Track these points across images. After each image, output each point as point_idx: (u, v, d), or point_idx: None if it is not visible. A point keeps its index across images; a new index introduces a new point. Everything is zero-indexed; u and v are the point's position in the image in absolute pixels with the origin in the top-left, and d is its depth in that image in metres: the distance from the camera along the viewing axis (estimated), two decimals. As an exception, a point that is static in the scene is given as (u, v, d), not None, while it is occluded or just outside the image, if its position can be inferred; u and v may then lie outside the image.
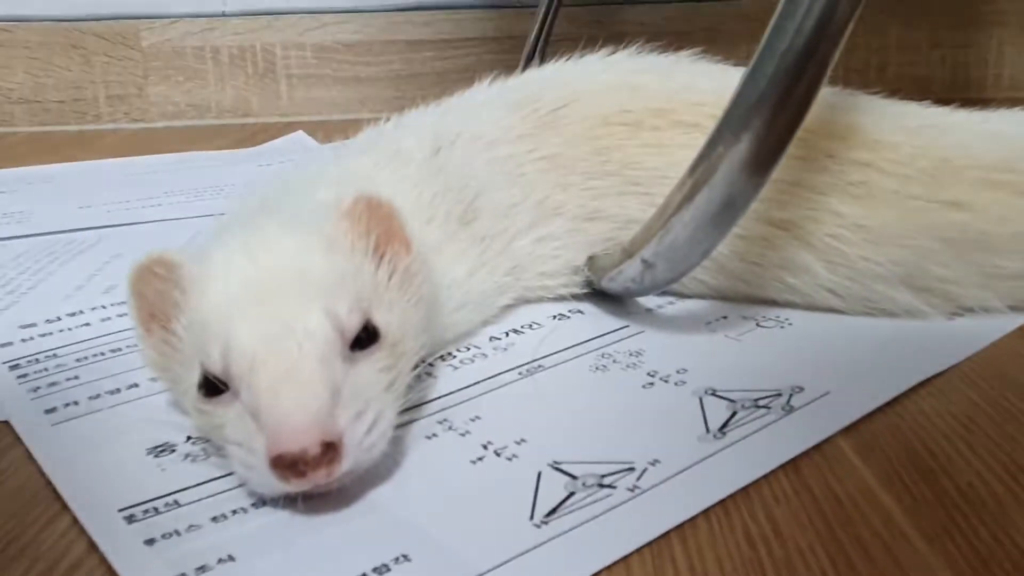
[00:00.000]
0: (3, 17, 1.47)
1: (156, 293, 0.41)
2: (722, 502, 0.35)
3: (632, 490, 0.36)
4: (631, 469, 0.37)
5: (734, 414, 0.42)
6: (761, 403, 0.43)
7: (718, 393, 0.44)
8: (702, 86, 0.55)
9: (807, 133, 0.49)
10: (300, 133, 1.30)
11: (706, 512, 0.35)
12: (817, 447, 0.39)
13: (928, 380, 0.45)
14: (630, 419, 0.42)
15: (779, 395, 0.43)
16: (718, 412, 0.42)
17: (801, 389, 0.44)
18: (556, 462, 0.38)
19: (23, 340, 0.54)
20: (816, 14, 0.40)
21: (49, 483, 0.39)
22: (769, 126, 0.44)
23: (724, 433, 0.40)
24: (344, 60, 1.50)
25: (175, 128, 1.48)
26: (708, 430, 0.40)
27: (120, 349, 0.52)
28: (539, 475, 0.37)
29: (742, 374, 0.46)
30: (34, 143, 1.40)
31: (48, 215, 0.88)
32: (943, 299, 0.52)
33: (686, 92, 0.55)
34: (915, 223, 0.51)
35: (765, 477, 0.37)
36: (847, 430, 0.40)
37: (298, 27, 1.48)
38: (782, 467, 0.38)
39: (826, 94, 0.50)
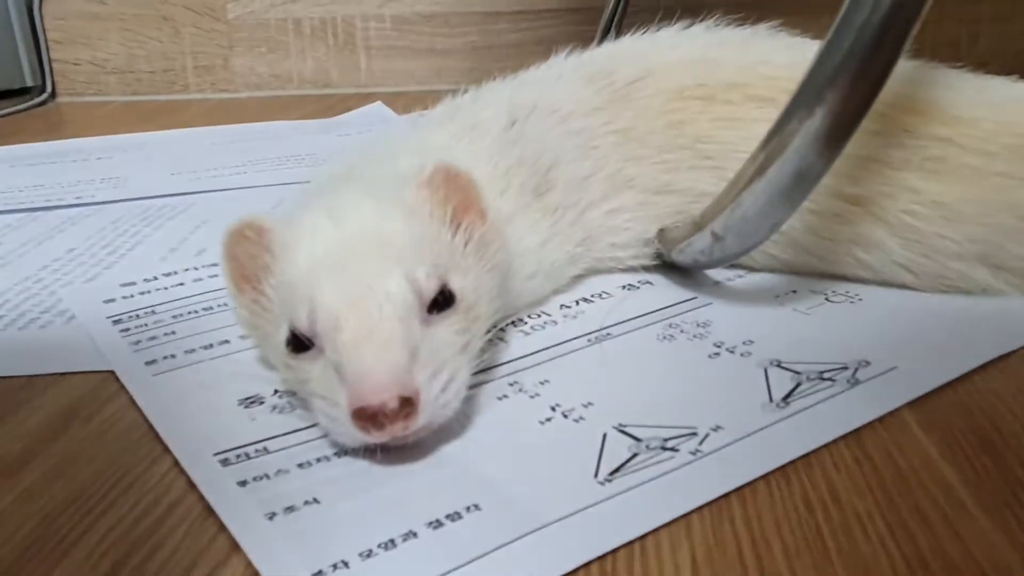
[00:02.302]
0: (99, -10, 1.53)
1: (247, 255, 0.44)
2: (783, 468, 0.36)
3: (694, 453, 0.37)
4: (694, 434, 0.39)
5: (798, 385, 0.42)
6: (826, 375, 0.43)
7: (783, 365, 0.45)
8: (778, 60, 0.55)
9: (884, 107, 0.49)
10: (379, 104, 1.33)
11: (766, 477, 0.36)
12: (881, 419, 0.40)
13: (1000, 358, 0.45)
14: (695, 387, 0.43)
15: (845, 368, 0.44)
16: (782, 383, 0.43)
17: (868, 363, 0.44)
18: (621, 425, 0.40)
19: (124, 297, 0.58)
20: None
21: (151, 428, 0.42)
22: (844, 100, 0.44)
23: (787, 403, 0.41)
24: (422, 32, 1.52)
25: (258, 98, 1.53)
26: (772, 399, 0.41)
27: (212, 308, 0.55)
28: (604, 436, 0.39)
29: (809, 347, 0.47)
30: (127, 112, 1.47)
31: (142, 181, 0.93)
32: (1021, 278, 0.51)
33: (761, 66, 0.55)
34: (995, 200, 0.50)
35: (827, 446, 0.38)
36: (913, 404, 0.41)
37: (377, -1, 1.51)
38: (844, 437, 0.38)
39: (904, 67, 0.50)
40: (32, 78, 1.54)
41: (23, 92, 1.53)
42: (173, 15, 1.53)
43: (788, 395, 0.42)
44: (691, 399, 0.42)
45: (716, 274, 0.57)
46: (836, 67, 0.43)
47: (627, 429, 0.39)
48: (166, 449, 0.40)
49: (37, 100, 1.52)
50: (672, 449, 0.37)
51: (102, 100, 1.56)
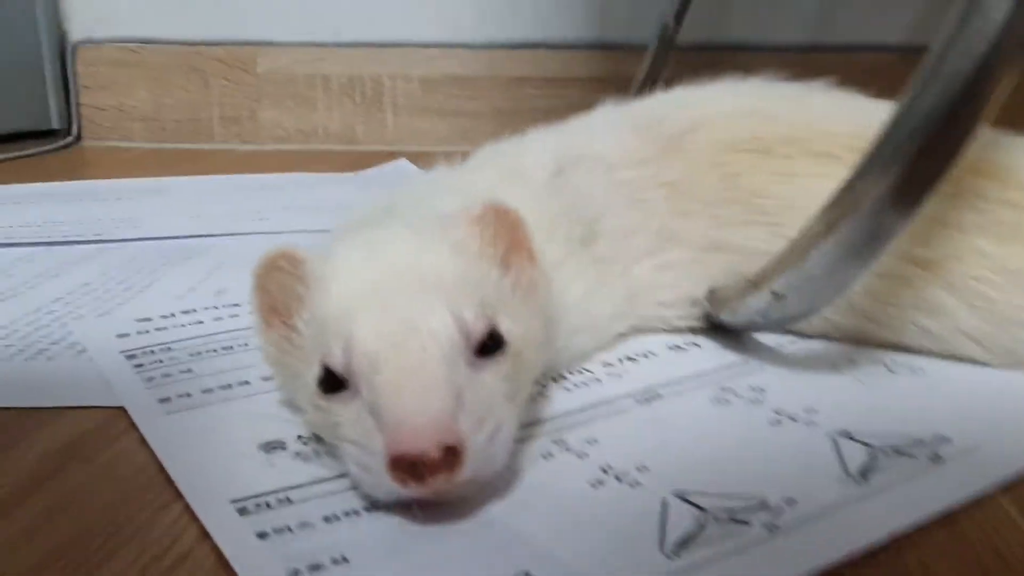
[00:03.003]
0: (130, 39, 1.54)
1: (279, 287, 0.41)
2: (871, 550, 0.32)
3: (770, 529, 0.33)
4: (765, 506, 0.35)
5: (875, 459, 0.39)
6: (904, 450, 0.39)
7: (854, 437, 0.41)
8: (837, 116, 0.53)
9: (955, 169, 0.46)
10: (403, 160, 1.32)
11: (852, 558, 0.32)
12: (972, 501, 0.36)
13: (1090, 441, 0.41)
14: (758, 455, 0.40)
15: (923, 444, 0.40)
16: (856, 456, 0.39)
17: (948, 440, 0.40)
18: (681, 492, 0.36)
19: (139, 332, 0.54)
20: (990, 36, 0.37)
21: (162, 470, 0.39)
22: (924, 158, 0.41)
23: (866, 478, 0.37)
24: (449, 93, 1.52)
25: (283, 151, 1.52)
26: (848, 473, 0.37)
27: (232, 348, 0.52)
28: (664, 503, 0.35)
29: (877, 419, 0.43)
30: (150, 159, 1.45)
31: (160, 222, 0.91)
32: (1098, 355, 0.48)
33: (821, 121, 0.53)
34: (1070, 271, 0.47)
35: (917, 527, 0.34)
36: (1004, 486, 0.37)
37: (406, 59, 1.51)
38: (935, 518, 0.34)
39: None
40: (59, 121, 1.54)
41: (49, 134, 1.53)
42: (203, 66, 1.54)
43: (866, 469, 0.38)
44: (756, 467, 0.38)
45: (766, 339, 0.54)
46: (918, 122, 0.40)
47: (689, 497, 0.35)
48: (177, 494, 0.36)
49: (62, 143, 1.52)
50: (743, 522, 0.33)
51: (127, 146, 1.56)
